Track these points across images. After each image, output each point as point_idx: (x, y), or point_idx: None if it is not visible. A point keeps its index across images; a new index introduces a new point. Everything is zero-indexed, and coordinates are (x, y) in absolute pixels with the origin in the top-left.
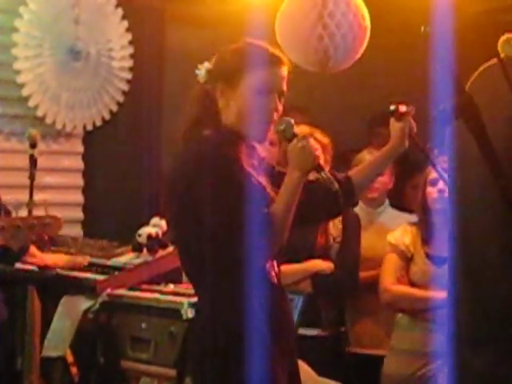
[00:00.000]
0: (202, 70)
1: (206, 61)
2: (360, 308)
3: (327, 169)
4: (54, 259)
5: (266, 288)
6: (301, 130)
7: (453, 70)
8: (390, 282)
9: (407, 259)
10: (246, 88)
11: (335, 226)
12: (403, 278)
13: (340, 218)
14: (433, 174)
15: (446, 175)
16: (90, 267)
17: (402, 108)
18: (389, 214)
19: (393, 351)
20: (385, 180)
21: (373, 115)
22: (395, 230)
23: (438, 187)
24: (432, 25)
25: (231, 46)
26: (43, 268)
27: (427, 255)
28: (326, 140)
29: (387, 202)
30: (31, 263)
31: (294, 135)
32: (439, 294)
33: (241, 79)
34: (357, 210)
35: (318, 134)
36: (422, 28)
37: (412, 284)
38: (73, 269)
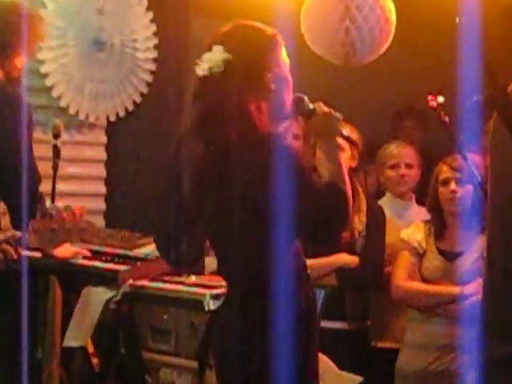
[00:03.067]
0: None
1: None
2: (384, 302)
3: (354, 165)
4: (61, 250)
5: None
6: None
7: (486, 62)
8: (402, 278)
9: (419, 255)
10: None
11: (360, 220)
12: (415, 274)
13: (364, 212)
14: (444, 174)
15: (474, 169)
16: (113, 258)
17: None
18: (416, 209)
19: (406, 345)
20: (414, 173)
21: (397, 109)
22: (408, 228)
23: (451, 188)
24: (464, 16)
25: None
26: (49, 256)
27: (439, 250)
28: (355, 136)
29: (414, 197)
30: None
31: (313, 109)
32: (451, 289)
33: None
34: (384, 201)
35: (345, 130)
36: (457, 19)
37: (424, 280)
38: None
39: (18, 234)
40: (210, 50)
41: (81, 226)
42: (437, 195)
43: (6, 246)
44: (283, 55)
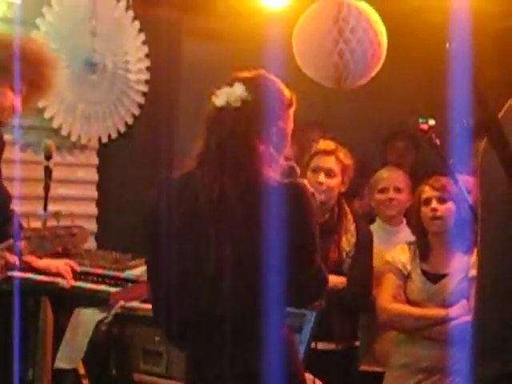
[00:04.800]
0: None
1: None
2: (372, 324)
3: (343, 190)
4: (47, 264)
5: None
6: (326, 145)
7: (476, 87)
8: (387, 300)
9: (404, 277)
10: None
11: (348, 241)
12: (400, 297)
13: (353, 233)
14: (425, 194)
15: (465, 192)
16: (104, 279)
17: None
18: (406, 232)
19: (391, 366)
20: (403, 198)
21: (391, 131)
22: (393, 250)
23: (432, 206)
24: (453, 41)
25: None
26: (34, 270)
27: (424, 272)
28: (348, 160)
29: (404, 221)
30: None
31: None
32: (436, 312)
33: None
34: (375, 227)
35: (342, 154)
36: (448, 44)
37: (409, 302)
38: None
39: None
40: (230, 85)
41: (72, 231)
42: (419, 215)
43: (4, 253)
44: (291, 116)
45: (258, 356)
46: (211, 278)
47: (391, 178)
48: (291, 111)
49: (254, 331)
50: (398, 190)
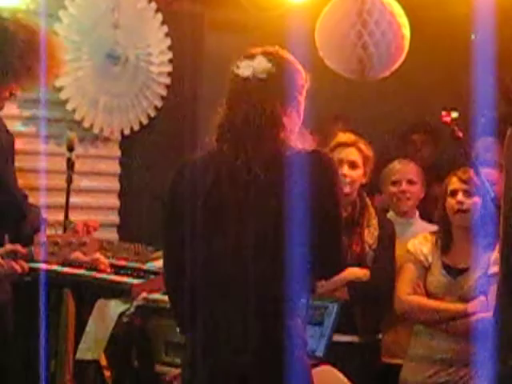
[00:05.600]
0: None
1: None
2: (394, 317)
3: (365, 181)
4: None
5: None
6: (347, 137)
7: (500, 79)
8: (406, 292)
9: (424, 268)
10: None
11: (371, 234)
12: (419, 288)
13: (376, 226)
14: (452, 185)
15: (488, 185)
16: (126, 271)
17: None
18: (419, 225)
19: (409, 357)
20: (416, 190)
21: (410, 124)
22: (415, 238)
23: (458, 199)
24: (477, 33)
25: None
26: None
27: (444, 265)
28: (368, 152)
29: (417, 213)
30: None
31: None
32: (454, 306)
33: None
34: None
35: (363, 145)
36: (472, 36)
37: (428, 294)
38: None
39: (13, 247)
40: (251, 58)
41: (82, 240)
42: (445, 206)
43: (5, 261)
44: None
45: (277, 331)
46: (235, 250)
47: (404, 170)
48: (305, 89)
49: (277, 303)
50: (410, 182)
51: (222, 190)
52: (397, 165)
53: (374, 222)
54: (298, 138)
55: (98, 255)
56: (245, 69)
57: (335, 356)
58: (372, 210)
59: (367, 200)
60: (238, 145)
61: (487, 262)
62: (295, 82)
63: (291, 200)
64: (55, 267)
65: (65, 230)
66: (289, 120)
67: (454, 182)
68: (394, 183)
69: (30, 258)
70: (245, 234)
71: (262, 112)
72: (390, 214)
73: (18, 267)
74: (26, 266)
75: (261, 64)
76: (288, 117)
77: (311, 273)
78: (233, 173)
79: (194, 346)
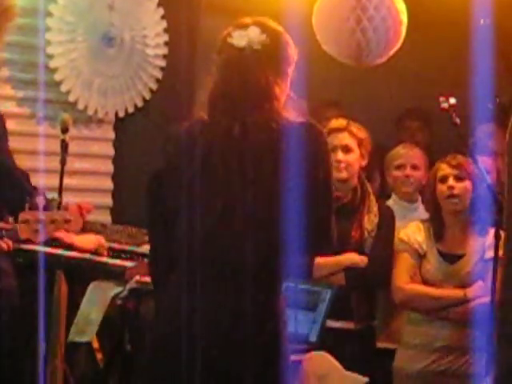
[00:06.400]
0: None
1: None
2: (391, 303)
3: (364, 163)
4: (84, 241)
5: None
6: (338, 123)
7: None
8: (404, 280)
9: (420, 257)
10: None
11: (370, 220)
12: (416, 277)
13: (376, 213)
14: (442, 171)
15: (484, 172)
16: (119, 253)
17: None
18: (422, 210)
19: (404, 345)
20: (420, 175)
21: (405, 110)
22: (407, 227)
23: (448, 183)
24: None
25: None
26: (68, 247)
27: (440, 252)
28: (362, 134)
29: (420, 198)
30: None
31: None
32: (453, 292)
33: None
34: (390, 203)
35: (355, 128)
36: (482, 21)
37: (425, 282)
38: (99, 253)
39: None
40: (243, 28)
41: (66, 217)
42: (435, 193)
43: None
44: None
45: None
46: (228, 221)
47: (408, 154)
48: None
49: (270, 274)
50: (414, 167)
51: (217, 158)
52: (401, 149)
53: (375, 208)
54: (291, 105)
55: (99, 238)
56: (239, 39)
57: (330, 342)
58: (373, 197)
59: (368, 186)
60: (234, 115)
61: (482, 246)
62: (287, 54)
63: (285, 171)
64: (46, 249)
65: (46, 208)
66: (280, 91)
67: (443, 168)
68: (398, 167)
69: (17, 238)
70: (238, 204)
71: (257, 83)
72: (393, 198)
73: (4, 245)
74: (10, 242)
75: (255, 34)
76: (280, 88)
77: (301, 247)
78: (228, 142)
79: (168, 311)
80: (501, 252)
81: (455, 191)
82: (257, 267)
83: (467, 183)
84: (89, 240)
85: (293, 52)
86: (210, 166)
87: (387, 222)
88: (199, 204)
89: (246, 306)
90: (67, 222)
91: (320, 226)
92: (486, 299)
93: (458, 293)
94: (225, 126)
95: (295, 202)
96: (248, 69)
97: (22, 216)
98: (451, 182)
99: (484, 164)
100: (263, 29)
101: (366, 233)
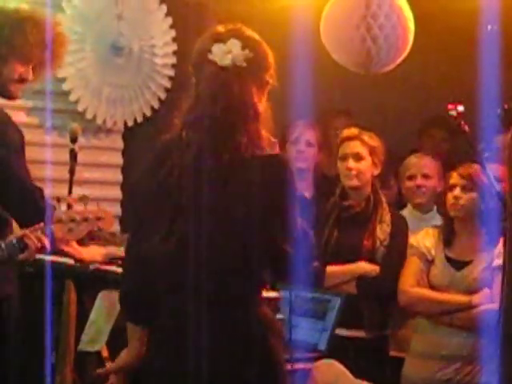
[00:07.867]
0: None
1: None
2: (404, 312)
3: (376, 172)
4: (92, 253)
5: None
6: (350, 131)
7: None
8: (409, 284)
9: (428, 262)
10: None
11: (382, 230)
12: (423, 281)
13: (388, 223)
14: (452, 180)
15: (493, 179)
16: None
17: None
18: (438, 219)
19: (412, 353)
20: (432, 184)
21: (427, 118)
22: (418, 233)
23: (454, 193)
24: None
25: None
26: (79, 261)
27: (448, 258)
28: (374, 142)
29: (435, 208)
30: (67, 253)
31: None
32: (458, 298)
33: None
34: (405, 213)
35: (366, 137)
36: (489, 27)
37: (431, 287)
38: (110, 263)
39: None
40: (222, 41)
41: (99, 215)
42: (445, 201)
43: (40, 235)
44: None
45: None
46: (183, 243)
47: (419, 164)
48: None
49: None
50: (426, 176)
51: (175, 180)
52: (412, 159)
53: (387, 218)
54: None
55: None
56: (222, 56)
57: (341, 351)
58: (386, 206)
59: (381, 196)
60: (209, 135)
61: (491, 254)
62: (268, 64)
63: (249, 199)
64: (57, 258)
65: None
66: (262, 106)
67: (453, 177)
68: (410, 178)
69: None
70: (195, 229)
71: (243, 104)
72: (408, 208)
73: (47, 242)
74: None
75: (238, 50)
76: (261, 103)
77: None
78: (197, 162)
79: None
80: None
81: (460, 201)
82: (217, 290)
83: (473, 194)
84: (98, 252)
85: (272, 59)
86: (169, 186)
87: (400, 231)
88: (157, 222)
89: (226, 326)
90: (99, 219)
91: (276, 256)
92: (492, 306)
93: (462, 299)
94: (197, 147)
95: (253, 230)
96: (232, 88)
97: (55, 216)
98: (457, 191)
99: (496, 172)
100: (244, 42)
101: (378, 242)
